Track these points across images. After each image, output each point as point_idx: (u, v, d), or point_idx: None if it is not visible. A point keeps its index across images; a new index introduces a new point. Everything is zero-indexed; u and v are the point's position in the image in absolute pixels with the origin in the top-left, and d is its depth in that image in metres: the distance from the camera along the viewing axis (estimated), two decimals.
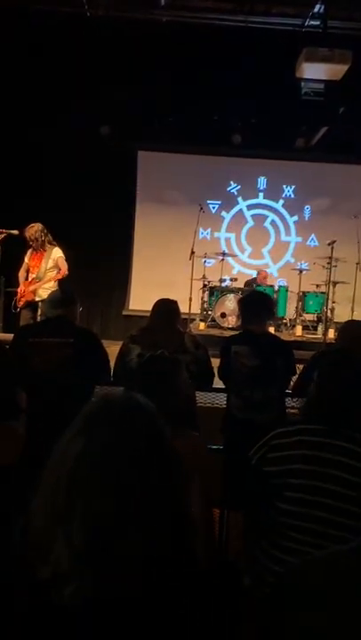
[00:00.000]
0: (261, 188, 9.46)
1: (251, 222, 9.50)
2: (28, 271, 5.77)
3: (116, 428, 0.87)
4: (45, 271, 5.63)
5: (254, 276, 8.58)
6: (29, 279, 5.71)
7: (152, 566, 0.80)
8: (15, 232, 5.83)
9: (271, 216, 9.51)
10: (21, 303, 5.66)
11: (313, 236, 9.31)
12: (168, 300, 3.37)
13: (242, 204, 9.48)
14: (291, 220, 9.51)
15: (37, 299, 5.59)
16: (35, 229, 5.62)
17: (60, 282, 5.68)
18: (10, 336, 4.14)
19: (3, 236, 5.82)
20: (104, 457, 0.84)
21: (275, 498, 1.79)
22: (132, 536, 0.80)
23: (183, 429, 1.82)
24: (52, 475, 0.86)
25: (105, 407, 0.91)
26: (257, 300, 3.50)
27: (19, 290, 5.74)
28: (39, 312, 5.49)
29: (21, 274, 5.79)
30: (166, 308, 3.31)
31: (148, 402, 0.92)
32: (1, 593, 0.84)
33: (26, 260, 5.79)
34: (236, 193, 9.48)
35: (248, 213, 9.50)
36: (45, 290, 5.37)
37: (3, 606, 0.82)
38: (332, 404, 1.83)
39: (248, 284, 8.36)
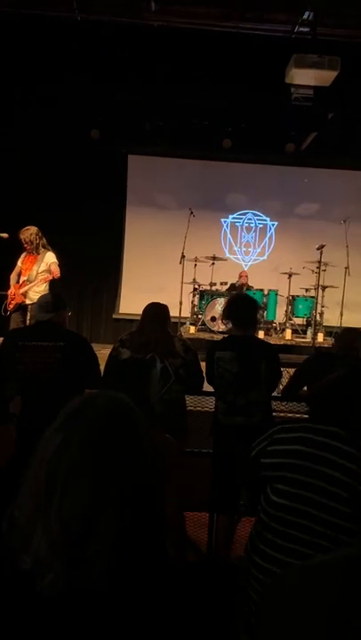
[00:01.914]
0: (251, 192, 9.51)
1: (242, 226, 9.54)
2: (19, 274, 5.75)
3: (94, 426, 0.89)
4: (37, 274, 5.61)
5: (242, 281, 8.59)
6: (21, 282, 5.68)
7: (122, 561, 0.83)
8: (5, 235, 5.82)
9: (262, 220, 9.56)
10: (12, 306, 5.64)
11: (302, 240, 9.37)
12: (158, 303, 3.37)
13: (233, 207, 9.52)
14: (281, 224, 9.56)
15: (28, 302, 5.57)
16: (30, 232, 5.61)
17: (51, 285, 5.68)
18: None
19: None
20: (80, 453, 0.86)
21: (269, 490, 1.81)
22: (103, 530, 0.82)
23: (155, 429, 1.83)
24: (35, 468, 0.89)
25: (85, 405, 0.92)
26: (242, 305, 3.48)
27: (9, 293, 5.72)
28: (29, 315, 5.47)
29: (13, 277, 5.76)
30: (156, 311, 3.31)
31: (131, 403, 0.94)
32: None
33: (19, 263, 5.76)
34: (226, 197, 9.52)
35: (238, 217, 9.54)
36: (36, 293, 5.35)
37: None
38: (338, 406, 1.86)
39: (232, 288, 8.38)
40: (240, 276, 8.46)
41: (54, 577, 0.82)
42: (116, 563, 0.82)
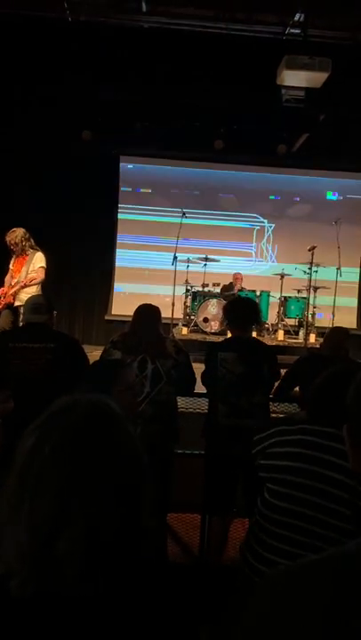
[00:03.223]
0: (244, 193, 9.52)
1: (234, 227, 9.55)
2: (10, 275, 5.76)
3: (69, 429, 0.87)
4: (26, 276, 5.60)
5: (231, 281, 8.60)
6: (13, 284, 5.68)
7: (96, 564, 0.82)
8: None
9: (254, 221, 9.58)
10: (0, 306, 5.62)
11: (294, 241, 9.39)
12: (150, 305, 3.36)
13: (225, 209, 9.53)
14: (273, 225, 9.58)
15: (17, 303, 5.55)
16: (15, 234, 5.59)
17: (43, 287, 5.69)
18: None
19: None
20: (52, 455, 0.85)
21: (266, 492, 1.80)
22: (73, 534, 0.81)
23: None
24: (11, 471, 0.88)
25: (65, 408, 0.91)
26: (242, 306, 3.51)
27: (0, 292, 5.71)
28: (21, 317, 5.46)
29: (7, 280, 5.76)
30: (148, 312, 3.30)
31: (118, 407, 0.92)
32: None
33: (10, 265, 5.76)
34: (218, 198, 9.53)
35: (231, 219, 9.55)
36: (27, 294, 5.34)
37: None
38: (336, 407, 1.85)
39: (225, 288, 8.39)
40: (235, 279, 8.46)
41: (22, 580, 0.81)
42: (88, 566, 0.81)
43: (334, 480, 1.71)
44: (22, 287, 5.56)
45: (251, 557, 1.81)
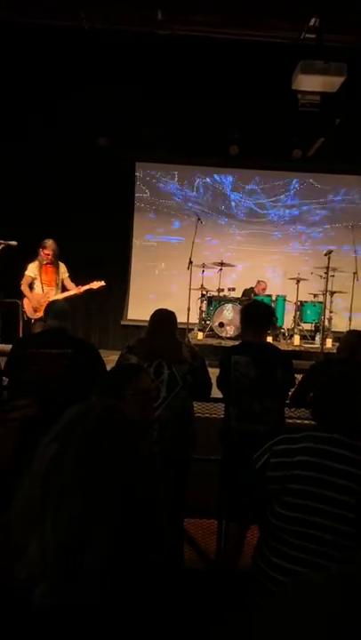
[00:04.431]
0: (259, 198, 9.52)
1: (249, 232, 9.54)
2: (31, 284, 5.88)
3: (88, 439, 0.88)
4: (60, 284, 5.91)
5: (252, 286, 8.60)
6: (45, 292, 5.82)
7: (118, 575, 0.82)
8: (14, 243, 5.85)
9: (269, 226, 9.56)
10: (38, 315, 5.79)
11: (310, 246, 9.36)
12: (165, 310, 3.38)
13: (240, 214, 9.53)
14: (288, 229, 9.55)
15: None
16: (55, 244, 5.87)
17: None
18: (7, 347, 4.15)
19: (1, 247, 5.84)
20: (74, 466, 0.85)
21: (275, 503, 1.80)
22: (97, 545, 0.81)
23: None
24: (30, 477, 0.88)
25: (81, 415, 0.92)
26: (258, 311, 3.51)
27: (33, 301, 5.85)
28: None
29: (25, 287, 5.86)
30: (164, 317, 3.31)
31: (132, 412, 0.93)
32: None
33: (32, 274, 5.87)
34: (233, 203, 9.53)
35: (246, 223, 9.54)
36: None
37: None
38: (340, 413, 1.85)
39: (246, 293, 8.39)
40: (258, 285, 8.43)
41: (46, 589, 0.81)
42: (111, 577, 0.81)
43: (341, 486, 1.71)
44: (74, 295, 5.93)
45: (264, 565, 1.81)
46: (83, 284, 6.21)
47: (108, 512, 0.83)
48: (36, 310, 5.88)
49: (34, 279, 5.90)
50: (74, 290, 6.03)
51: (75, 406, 0.94)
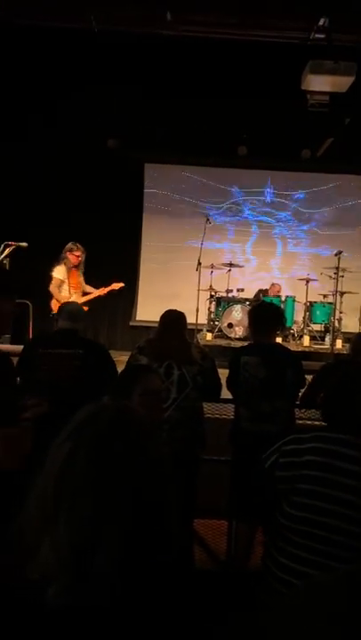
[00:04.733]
0: (268, 199, 9.50)
1: (258, 233, 9.53)
2: (59, 286, 5.98)
3: (101, 439, 0.88)
4: (82, 287, 6.08)
5: (265, 287, 8.57)
6: (70, 295, 5.92)
7: (130, 575, 0.82)
8: (24, 244, 5.90)
9: (278, 227, 9.54)
10: None
11: (320, 246, 9.33)
12: (175, 310, 3.38)
13: (249, 215, 9.52)
14: (298, 230, 9.53)
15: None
16: (83, 248, 6.00)
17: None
18: (17, 347, 4.17)
19: (12, 248, 5.88)
20: (87, 467, 0.86)
21: (284, 503, 1.80)
22: (110, 545, 0.82)
23: None
24: (43, 478, 0.89)
25: (93, 414, 0.92)
26: (267, 312, 3.51)
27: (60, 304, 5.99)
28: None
29: (55, 289, 5.94)
30: (173, 318, 3.32)
31: (140, 413, 0.94)
32: None
33: (62, 277, 5.94)
34: (242, 204, 9.52)
35: (255, 224, 9.53)
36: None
37: None
38: (349, 414, 1.85)
39: (259, 295, 8.36)
40: (272, 288, 8.40)
41: (59, 588, 0.81)
42: (122, 578, 0.82)
43: (349, 486, 1.71)
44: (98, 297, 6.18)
45: (272, 565, 1.81)
46: (92, 286, 6.25)
47: (119, 512, 0.83)
48: None
49: (62, 282, 5.95)
50: (97, 292, 6.13)
51: (86, 406, 0.94)
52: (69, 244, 5.99)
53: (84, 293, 6.13)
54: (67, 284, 5.95)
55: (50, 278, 5.95)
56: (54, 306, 5.93)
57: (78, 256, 5.96)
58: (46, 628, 0.82)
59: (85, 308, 6.06)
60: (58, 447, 0.90)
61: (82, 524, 0.83)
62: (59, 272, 5.94)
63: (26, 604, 0.83)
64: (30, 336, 6.55)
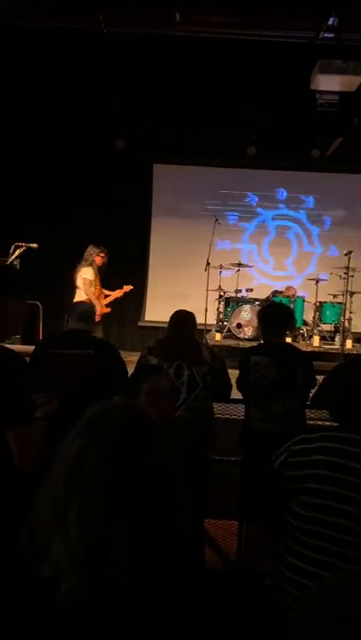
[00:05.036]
0: (277, 199, 9.47)
1: (271, 233, 9.50)
2: (90, 287, 6.20)
3: (111, 438, 0.89)
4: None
5: (277, 288, 8.52)
6: (98, 297, 6.21)
7: (140, 572, 0.83)
8: (34, 245, 5.92)
9: (286, 226, 9.51)
10: (97, 319, 6.04)
11: (330, 246, 9.29)
12: (185, 311, 3.39)
13: (261, 214, 9.49)
14: (306, 230, 9.50)
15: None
16: None
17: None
18: (28, 347, 4.19)
19: (22, 249, 5.91)
20: (97, 465, 0.86)
21: (293, 503, 1.79)
22: (120, 542, 0.82)
23: None
24: (53, 477, 0.90)
25: (103, 414, 0.92)
26: (277, 312, 3.50)
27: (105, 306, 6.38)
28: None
29: (88, 289, 6.14)
30: (183, 318, 3.32)
31: (150, 412, 0.94)
32: (5, 590, 0.87)
33: (92, 278, 6.17)
34: (254, 204, 9.50)
35: (264, 224, 9.51)
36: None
37: (4, 603, 0.85)
38: (358, 413, 1.84)
39: (272, 295, 8.31)
40: (287, 290, 8.36)
41: (72, 586, 0.82)
42: (131, 577, 0.82)
43: (359, 486, 1.70)
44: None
45: (282, 566, 1.80)
46: (102, 286, 6.33)
47: (129, 512, 0.84)
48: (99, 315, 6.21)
49: (92, 283, 6.16)
50: (114, 293, 6.49)
51: (95, 405, 0.95)
52: (94, 247, 6.19)
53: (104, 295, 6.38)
54: (94, 286, 6.13)
55: (74, 280, 6.11)
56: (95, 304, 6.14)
57: (103, 257, 6.16)
58: (58, 626, 0.82)
59: (108, 310, 6.39)
60: (67, 446, 0.91)
61: (92, 522, 0.83)
62: (88, 273, 6.11)
63: (38, 603, 0.84)
64: (40, 337, 6.57)
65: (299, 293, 8.19)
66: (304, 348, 7.31)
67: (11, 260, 5.85)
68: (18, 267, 5.95)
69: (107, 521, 0.83)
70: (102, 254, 6.17)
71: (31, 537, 0.88)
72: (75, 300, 5.96)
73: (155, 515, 0.85)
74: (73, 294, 6.18)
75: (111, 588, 0.82)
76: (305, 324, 8.16)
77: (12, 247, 5.91)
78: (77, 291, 6.11)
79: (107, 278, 6.55)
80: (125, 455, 0.87)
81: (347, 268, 7.59)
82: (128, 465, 0.86)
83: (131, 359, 3.82)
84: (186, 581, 0.91)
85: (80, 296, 6.05)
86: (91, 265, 6.09)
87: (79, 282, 6.06)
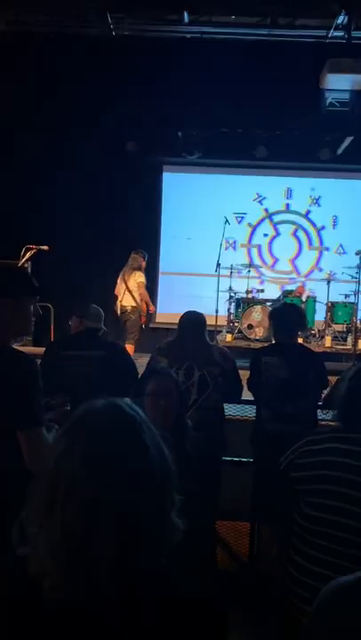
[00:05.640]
0: (288, 199, 9.44)
1: (278, 233, 9.47)
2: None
3: (94, 435, 0.88)
4: None
5: (287, 287, 8.49)
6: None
7: (125, 570, 0.83)
8: (45, 247, 5.96)
9: (298, 227, 9.48)
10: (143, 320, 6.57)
11: (341, 246, 9.24)
12: (195, 312, 3.38)
13: (269, 215, 9.47)
14: (318, 230, 9.45)
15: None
16: None
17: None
18: (39, 349, 4.21)
19: (33, 251, 5.95)
20: (82, 461, 0.86)
21: (301, 504, 1.78)
22: (104, 540, 0.82)
23: None
24: (41, 475, 0.91)
25: (89, 412, 0.92)
26: (288, 312, 3.49)
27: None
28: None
29: (145, 292, 6.70)
30: (194, 320, 3.32)
31: (137, 411, 0.93)
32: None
33: (145, 281, 6.69)
34: (262, 204, 9.48)
35: (275, 225, 9.48)
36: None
37: None
38: (356, 411, 1.83)
39: (283, 295, 8.28)
40: (299, 290, 8.33)
41: (55, 581, 0.82)
42: (116, 574, 0.82)
43: None
44: None
45: (290, 567, 1.79)
46: (112, 287, 6.37)
47: (113, 511, 0.83)
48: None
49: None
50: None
51: (83, 405, 0.94)
52: (137, 254, 6.64)
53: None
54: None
55: (126, 283, 6.56)
56: (143, 306, 6.65)
57: (145, 261, 6.62)
58: (41, 625, 0.83)
59: (153, 308, 6.96)
60: (54, 445, 0.91)
61: (76, 519, 0.83)
62: (143, 277, 6.55)
63: (23, 601, 0.85)
64: (52, 339, 6.61)
65: (310, 294, 8.16)
66: (316, 349, 7.27)
67: (22, 262, 5.89)
68: (29, 269, 5.98)
69: (90, 520, 0.83)
70: (145, 259, 6.63)
71: (22, 535, 0.89)
72: (122, 303, 6.51)
73: (139, 513, 0.85)
74: (118, 297, 6.66)
75: (94, 588, 0.82)
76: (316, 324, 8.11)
77: (23, 249, 5.95)
78: (128, 294, 6.52)
79: (113, 280, 6.58)
80: (110, 454, 0.87)
81: (358, 267, 7.55)
82: (113, 464, 0.86)
83: (141, 361, 3.82)
84: (185, 581, 0.90)
85: (128, 300, 6.42)
86: (140, 269, 6.51)
87: (134, 285, 6.51)
